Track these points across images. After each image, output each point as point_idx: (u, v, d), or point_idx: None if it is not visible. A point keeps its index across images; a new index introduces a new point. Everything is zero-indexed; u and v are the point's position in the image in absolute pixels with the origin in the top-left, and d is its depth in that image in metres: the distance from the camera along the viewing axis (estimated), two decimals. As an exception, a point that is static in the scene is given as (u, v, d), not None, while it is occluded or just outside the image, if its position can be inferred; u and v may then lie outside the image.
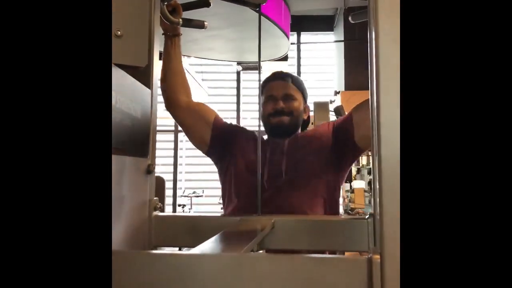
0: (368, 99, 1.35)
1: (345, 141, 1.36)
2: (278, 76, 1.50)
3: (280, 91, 1.46)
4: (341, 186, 1.43)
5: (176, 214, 1.48)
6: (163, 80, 1.40)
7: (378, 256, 0.51)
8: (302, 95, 1.50)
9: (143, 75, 0.92)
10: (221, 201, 1.44)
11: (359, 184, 5.33)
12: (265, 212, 1.10)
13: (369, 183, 5.37)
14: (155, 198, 0.96)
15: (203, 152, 1.50)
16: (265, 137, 1.49)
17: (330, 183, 1.37)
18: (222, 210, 1.53)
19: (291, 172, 1.35)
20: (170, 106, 1.43)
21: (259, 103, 1.26)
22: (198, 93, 5.40)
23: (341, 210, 5.41)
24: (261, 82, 1.50)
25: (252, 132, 1.51)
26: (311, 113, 1.64)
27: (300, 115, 1.48)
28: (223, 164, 1.47)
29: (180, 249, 1.12)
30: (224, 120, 1.52)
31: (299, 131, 1.51)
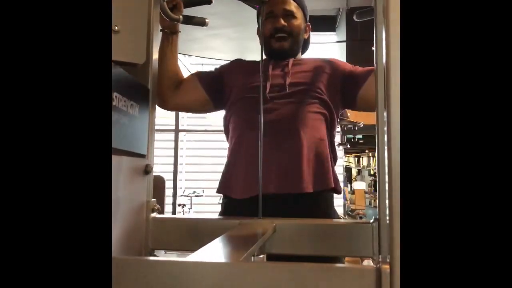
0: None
1: (350, 89, 1.34)
2: None
3: (280, 8, 1.39)
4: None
5: (174, 216, 1.46)
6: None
7: (387, 266, 0.48)
8: (303, 12, 1.44)
9: (141, 72, 0.89)
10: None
11: (359, 185, 5.32)
12: (265, 119, 1.12)
13: (370, 184, 5.35)
14: (153, 199, 0.93)
15: (215, 110, 1.45)
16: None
17: (329, 111, 1.35)
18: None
19: (293, 88, 1.32)
20: (161, 104, 1.39)
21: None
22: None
23: (341, 211, 5.41)
24: (262, 16, 1.43)
25: (250, 62, 1.45)
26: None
27: (301, 34, 1.43)
28: (228, 99, 1.41)
29: (178, 252, 1.09)
30: (208, 71, 1.47)
31: (300, 53, 1.47)
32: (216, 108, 1.45)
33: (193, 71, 1.48)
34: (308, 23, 1.48)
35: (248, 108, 1.31)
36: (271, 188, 1.18)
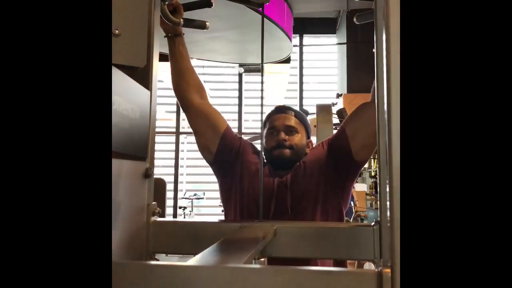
0: (360, 105, 1.34)
1: (343, 157, 1.34)
2: (280, 110, 1.49)
3: (282, 123, 1.44)
4: (347, 201, 1.41)
5: (175, 219, 1.46)
6: (174, 82, 1.37)
7: (388, 270, 0.48)
8: (304, 128, 1.49)
9: (142, 75, 0.89)
10: (222, 204, 1.42)
11: (360, 187, 5.31)
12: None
13: (371, 186, 5.34)
14: (153, 202, 0.93)
15: (207, 161, 1.46)
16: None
17: (335, 205, 1.36)
18: (223, 213, 1.50)
19: (296, 208, 1.32)
20: (184, 107, 1.39)
21: (261, 110, 1.23)
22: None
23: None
24: (266, 116, 1.49)
25: (257, 150, 1.48)
26: (313, 116, 1.63)
27: (303, 149, 1.46)
28: (227, 181, 1.44)
29: (179, 255, 1.09)
30: (235, 133, 1.48)
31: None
32: (210, 164, 1.46)
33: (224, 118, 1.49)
34: (310, 139, 1.52)
35: (250, 212, 1.34)
36: None
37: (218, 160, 1.42)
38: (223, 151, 1.41)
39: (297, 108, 1.67)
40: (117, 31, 0.76)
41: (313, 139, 2.32)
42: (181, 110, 1.53)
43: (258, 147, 1.48)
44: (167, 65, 1.37)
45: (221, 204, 1.47)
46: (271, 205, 1.33)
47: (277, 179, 1.38)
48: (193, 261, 0.58)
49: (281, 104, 1.59)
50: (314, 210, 1.33)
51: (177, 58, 1.35)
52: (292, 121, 1.45)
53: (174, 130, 6.82)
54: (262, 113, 1.19)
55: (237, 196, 1.39)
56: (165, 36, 1.33)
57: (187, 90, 1.38)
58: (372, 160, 5.39)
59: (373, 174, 5.37)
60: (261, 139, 1.21)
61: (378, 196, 0.67)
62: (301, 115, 1.49)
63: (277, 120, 1.45)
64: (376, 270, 0.49)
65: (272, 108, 1.53)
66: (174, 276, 0.53)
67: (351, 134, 1.31)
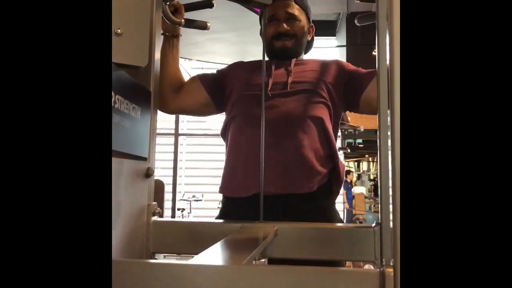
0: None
1: (353, 91, 1.33)
2: None
3: (283, 12, 1.38)
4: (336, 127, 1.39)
5: (175, 219, 1.45)
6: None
7: (391, 270, 0.47)
8: (305, 14, 1.44)
9: (143, 75, 0.89)
10: (220, 205, 1.40)
11: (359, 190, 5.32)
12: (266, 117, 1.11)
13: (370, 189, 5.35)
14: (153, 202, 0.93)
15: (217, 112, 1.45)
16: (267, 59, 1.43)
17: (331, 109, 1.33)
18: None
19: (296, 86, 1.31)
20: (162, 107, 1.38)
21: (262, 112, 1.23)
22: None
23: (340, 215, 5.39)
24: (264, 19, 1.42)
25: (252, 62, 1.45)
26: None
27: (304, 36, 1.43)
28: (229, 99, 1.40)
29: (179, 255, 1.09)
30: (209, 73, 1.47)
31: (303, 54, 1.46)
32: (217, 109, 1.44)
33: (193, 75, 1.48)
34: (311, 24, 1.48)
35: (249, 104, 1.30)
36: (270, 188, 1.17)
37: (219, 101, 1.41)
38: (214, 90, 1.40)
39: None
40: (119, 31, 0.76)
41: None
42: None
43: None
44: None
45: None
46: (269, 80, 1.31)
47: (276, 62, 1.37)
48: (194, 260, 0.58)
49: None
50: (312, 99, 1.30)
51: (169, 59, 1.34)
52: (294, 8, 1.40)
53: (173, 131, 6.82)
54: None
55: (236, 103, 1.36)
56: (162, 34, 1.31)
57: (169, 93, 1.36)
58: (371, 163, 5.39)
59: (372, 177, 5.38)
60: (262, 32, 1.14)
61: (379, 198, 0.67)
62: (301, 0, 1.44)
63: (277, 8, 1.39)
64: (379, 269, 0.49)
65: None
66: (174, 275, 0.53)
67: (374, 85, 1.29)
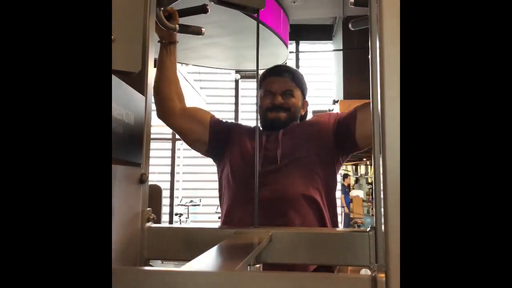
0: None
1: (345, 136, 1.34)
2: (277, 72, 1.48)
3: (279, 87, 1.44)
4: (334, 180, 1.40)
5: (170, 226, 1.45)
6: (157, 88, 1.37)
7: (383, 275, 0.47)
8: (301, 91, 1.48)
9: (137, 81, 0.89)
10: (218, 210, 1.42)
11: (357, 193, 5.31)
12: (260, 196, 1.11)
13: (368, 193, 5.35)
14: (148, 209, 0.93)
15: (202, 152, 1.48)
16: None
17: (325, 172, 1.35)
18: (219, 220, 1.49)
19: (285, 159, 1.33)
20: (164, 115, 1.41)
21: (256, 112, 1.23)
22: (196, 102, 5.40)
23: (338, 219, 5.39)
24: (261, 75, 1.48)
25: (249, 127, 1.49)
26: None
27: (298, 110, 1.47)
28: (222, 159, 1.45)
29: (174, 261, 1.08)
30: (220, 118, 1.50)
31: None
32: (207, 154, 1.48)
33: (190, 80, 1.49)
34: (306, 100, 1.52)
35: (242, 179, 1.34)
36: None
37: (213, 145, 1.44)
38: (216, 136, 1.43)
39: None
40: (112, 36, 0.76)
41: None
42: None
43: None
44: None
45: (218, 210, 1.47)
46: (260, 157, 1.33)
47: (267, 133, 1.40)
48: (187, 266, 0.58)
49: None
50: (303, 166, 1.32)
51: (166, 66, 1.36)
52: (289, 85, 1.45)
53: (170, 136, 6.81)
54: (257, 119, 1.19)
55: (228, 162, 1.40)
56: (159, 41, 1.33)
57: (170, 98, 1.39)
58: (369, 167, 5.39)
59: (370, 180, 5.37)
60: (256, 101, 1.19)
61: (373, 202, 0.67)
62: (298, 77, 1.48)
63: (274, 83, 1.45)
64: (371, 275, 0.49)
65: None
66: (168, 282, 0.53)
67: (362, 120, 1.30)
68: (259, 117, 1.32)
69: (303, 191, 1.29)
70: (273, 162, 1.33)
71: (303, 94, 1.50)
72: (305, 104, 1.52)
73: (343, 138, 1.35)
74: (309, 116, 1.59)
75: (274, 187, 1.28)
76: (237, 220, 1.30)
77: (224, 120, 1.51)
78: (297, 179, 1.31)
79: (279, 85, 1.44)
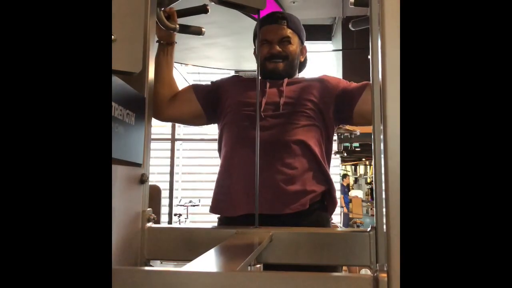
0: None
1: (345, 105, 1.34)
2: (273, 19, 1.45)
3: (275, 35, 1.41)
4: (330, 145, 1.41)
5: (170, 226, 1.44)
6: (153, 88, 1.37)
7: (384, 275, 0.47)
8: (298, 36, 1.46)
9: (137, 81, 0.89)
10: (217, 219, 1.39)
11: (356, 193, 5.31)
12: (262, 140, 1.11)
13: (367, 193, 5.35)
14: (148, 209, 0.93)
15: (205, 123, 1.46)
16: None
17: (324, 129, 1.35)
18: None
19: (287, 107, 1.32)
20: (155, 114, 1.39)
21: (257, 116, 1.23)
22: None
23: (338, 219, 5.39)
24: (258, 24, 1.45)
25: (232, 76, 1.48)
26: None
27: (296, 58, 1.45)
28: (221, 117, 1.42)
29: (174, 262, 1.08)
30: (203, 84, 1.48)
31: (297, 73, 1.48)
32: (209, 121, 1.46)
33: (189, 80, 1.49)
34: (304, 45, 1.50)
35: (242, 124, 1.32)
36: (264, 209, 1.16)
37: (210, 111, 1.42)
38: (206, 100, 1.41)
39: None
40: (113, 37, 0.76)
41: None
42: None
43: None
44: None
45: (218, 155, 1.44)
46: (263, 100, 1.32)
47: (270, 82, 1.39)
48: (188, 267, 0.58)
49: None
50: (303, 120, 1.32)
51: (163, 66, 1.35)
52: (286, 31, 1.42)
53: (169, 136, 6.81)
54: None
55: (229, 121, 1.37)
56: (157, 41, 1.33)
57: (163, 101, 1.37)
58: (368, 167, 5.40)
59: (369, 180, 5.37)
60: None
61: (374, 202, 0.67)
62: (294, 23, 1.46)
63: (269, 32, 1.42)
64: (372, 275, 0.49)
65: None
66: (168, 282, 0.53)
67: (365, 98, 1.30)
68: (258, 67, 1.29)
69: (299, 137, 1.29)
70: (275, 108, 1.32)
71: (301, 39, 1.47)
72: (303, 49, 1.50)
73: (342, 105, 1.35)
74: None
75: (272, 131, 1.28)
76: (236, 162, 1.29)
77: (204, 83, 1.49)
78: (295, 126, 1.31)
79: (275, 33, 1.41)
